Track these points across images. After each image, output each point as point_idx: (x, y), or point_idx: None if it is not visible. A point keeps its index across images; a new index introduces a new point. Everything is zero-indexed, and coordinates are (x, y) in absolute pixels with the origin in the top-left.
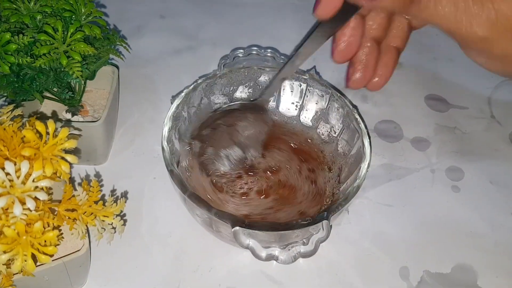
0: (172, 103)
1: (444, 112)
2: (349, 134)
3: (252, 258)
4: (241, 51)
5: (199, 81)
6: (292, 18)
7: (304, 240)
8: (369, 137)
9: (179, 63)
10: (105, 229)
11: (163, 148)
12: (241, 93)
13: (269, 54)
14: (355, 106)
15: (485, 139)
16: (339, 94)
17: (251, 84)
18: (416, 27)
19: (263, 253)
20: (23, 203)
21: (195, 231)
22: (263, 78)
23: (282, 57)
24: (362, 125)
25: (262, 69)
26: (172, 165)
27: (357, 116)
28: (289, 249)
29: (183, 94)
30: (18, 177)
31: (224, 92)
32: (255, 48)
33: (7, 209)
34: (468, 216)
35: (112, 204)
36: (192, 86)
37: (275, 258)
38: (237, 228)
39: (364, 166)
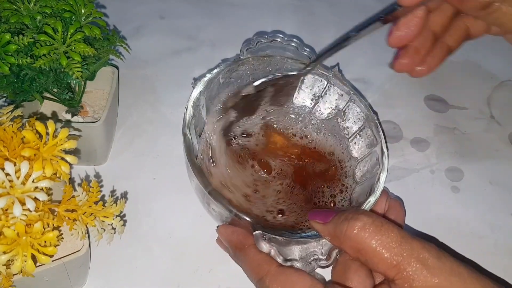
0: (193, 87)
1: (444, 113)
2: (365, 139)
3: None
4: (265, 36)
5: (221, 66)
6: (292, 19)
7: (322, 249)
8: (387, 147)
9: (179, 64)
10: (105, 230)
11: (185, 135)
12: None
13: (293, 44)
14: (375, 112)
15: (484, 139)
16: (360, 98)
17: (272, 73)
18: (473, 36)
19: (281, 263)
20: (23, 203)
21: (195, 232)
22: (285, 68)
23: (307, 49)
24: (381, 133)
25: (284, 60)
26: (192, 156)
27: (377, 122)
28: (307, 259)
29: (205, 79)
30: (18, 178)
31: (244, 81)
32: (280, 35)
33: (7, 209)
34: (467, 216)
35: (112, 205)
36: (215, 71)
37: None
38: (258, 232)
39: (382, 177)
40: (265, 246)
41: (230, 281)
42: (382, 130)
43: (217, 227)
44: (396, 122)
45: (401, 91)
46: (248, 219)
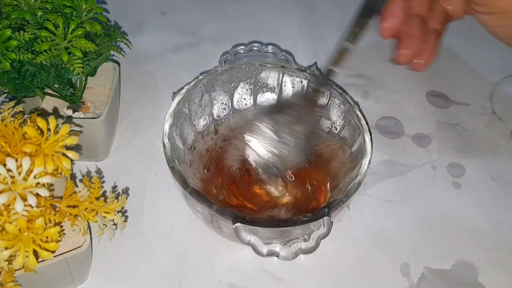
0: (173, 99)
1: (445, 109)
2: (350, 131)
3: (253, 255)
4: (242, 47)
5: (200, 77)
6: (293, 15)
7: (305, 236)
8: (370, 134)
9: (180, 59)
10: (106, 225)
11: (164, 144)
12: (242, 89)
13: (270, 50)
14: (356, 103)
15: (486, 135)
16: (340, 91)
17: (252, 80)
18: (454, 17)
19: (264, 249)
20: (24, 199)
21: (196, 228)
22: (264, 75)
23: (283, 53)
24: (363, 122)
25: (264, 66)
26: (173, 162)
27: (358, 113)
28: (290, 246)
29: (184, 90)
30: (19, 174)
31: (225, 89)
32: (256, 44)
33: (8, 205)
34: (469, 212)
35: (113, 201)
36: (193, 83)
37: (276, 255)
38: (238, 224)
39: (365, 162)
40: (246, 237)
41: (231, 276)
42: (365, 120)
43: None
44: (397, 118)
45: (403, 87)
46: (227, 213)
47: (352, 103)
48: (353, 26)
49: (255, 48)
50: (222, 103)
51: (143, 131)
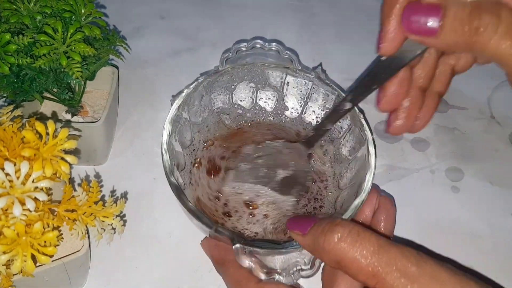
0: (172, 104)
1: (444, 113)
2: (353, 138)
3: None
4: (245, 44)
5: (200, 79)
6: (292, 19)
7: (305, 258)
8: (375, 146)
9: (179, 64)
10: (104, 230)
11: (162, 155)
12: (243, 89)
13: (273, 48)
14: (361, 111)
15: (484, 139)
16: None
17: (254, 80)
18: (460, 71)
19: (263, 276)
20: (22, 203)
21: (195, 232)
22: (267, 75)
23: (287, 52)
24: (368, 132)
25: (266, 66)
26: (172, 175)
27: (363, 122)
28: (290, 270)
29: (183, 94)
30: (18, 178)
31: (226, 89)
32: (259, 41)
33: (7, 209)
34: (467, 216)
35: (112, 205)
36: (192, 86)
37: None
38: (238, 245)
39: (369, 177)
40: (245, 261)
41: None
42: (370, 130)
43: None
44: None
45: None
46: (226, 233)
47: (357, 110)
48: (357, 89)
49: (258, 46)
50: (223, 102)
51: (141, 135)
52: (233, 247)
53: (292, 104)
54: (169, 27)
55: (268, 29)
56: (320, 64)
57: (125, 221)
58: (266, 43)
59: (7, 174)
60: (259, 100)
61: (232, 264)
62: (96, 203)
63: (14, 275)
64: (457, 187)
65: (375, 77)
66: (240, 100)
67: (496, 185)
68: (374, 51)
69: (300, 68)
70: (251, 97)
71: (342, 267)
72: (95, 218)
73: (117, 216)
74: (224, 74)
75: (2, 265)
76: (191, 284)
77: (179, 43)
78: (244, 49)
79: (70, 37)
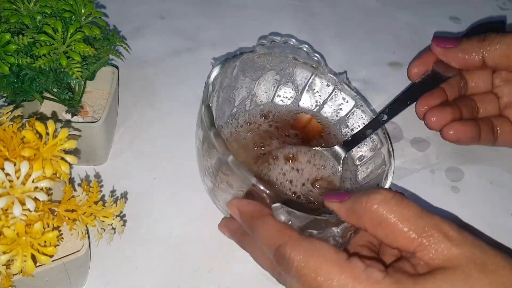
0: (213, 66)
1: None
2: (370, 146)
3: (252, 259)
4: (279, 37)
5: (239, 54)
6: (292, 19)
7: (338, 229)
8: (394, 156)
9: (179, 64)
10: (104, 230)
11: (208, 106)
12: (268, 80)
13: (304, 49)
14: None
15: None
16: (365, 104)
17: (282, 73)
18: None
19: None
20: (22, 203)
21: (195, 232)
22: (294, 71)
23: (316, 54)
24: (389, 145)
25: (297, 61)
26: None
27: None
28: (324, 237)
29: (224, 61)
30: (18, 178)
31: (255, 73)
32: (293, 40)
33: (7, 209)
34: (467, 216)
35: (112, 205)
36: (233, 57)
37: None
38: (277, 204)
39: (390, 176)
40: (283, 218)
41: (230, 281)
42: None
43: (222, 219)
44: (396, 122)
45: (401, 90)
46: (267, 190)
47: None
48: (394, 104)
49: (291, 43)
50: (247, 88)
51: (142, 135)
52: (273, 205)
53: (307, 105)
54: (169, 27)
55: (268, 29)
56: (345, 72)
57: (125, 221)
58: (298, 43)
59: (7, 174)
60: (276, 96)
61: (270, 216)
62: (96, 203)
63: (14, 275)
64: (457, 187)
65: (410, 95)
66: (264, 92)
67: (496, 185)
68: (374, 51)
69: (327, 70)
70: (271, 91)
71: (383, 229)
72: (95, 218)
73: (117, 216)
74: (261, 56)
75: (2, 265)
76: (191, 284)
77: (179, 43)
78: (277, 40)
79: (70, 37)
